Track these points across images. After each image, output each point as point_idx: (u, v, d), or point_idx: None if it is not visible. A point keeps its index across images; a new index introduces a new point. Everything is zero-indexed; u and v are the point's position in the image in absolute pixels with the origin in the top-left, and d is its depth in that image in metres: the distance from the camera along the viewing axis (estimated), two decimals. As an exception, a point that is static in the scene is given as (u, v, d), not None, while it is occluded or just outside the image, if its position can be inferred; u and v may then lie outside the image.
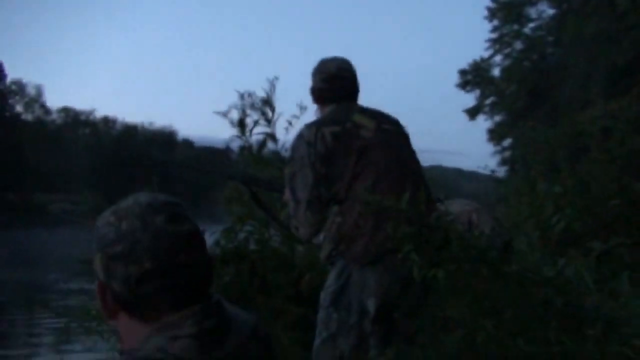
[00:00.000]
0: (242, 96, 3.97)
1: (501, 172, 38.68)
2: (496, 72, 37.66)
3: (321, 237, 2.72)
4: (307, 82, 3.07)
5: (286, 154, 3.40)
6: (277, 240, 4.08)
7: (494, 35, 36.68)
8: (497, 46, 36.83)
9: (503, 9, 35.80)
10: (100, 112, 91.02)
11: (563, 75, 26.83)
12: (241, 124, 3.98)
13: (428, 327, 2.24)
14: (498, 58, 37.21)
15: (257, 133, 4.00)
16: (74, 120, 76.33)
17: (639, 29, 19.67)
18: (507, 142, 38.50)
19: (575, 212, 5.10)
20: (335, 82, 2.94)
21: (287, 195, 2.74)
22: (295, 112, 3.76)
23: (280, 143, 3.93)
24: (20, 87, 70.06)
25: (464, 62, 38.61)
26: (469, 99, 37.92)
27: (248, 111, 3.97)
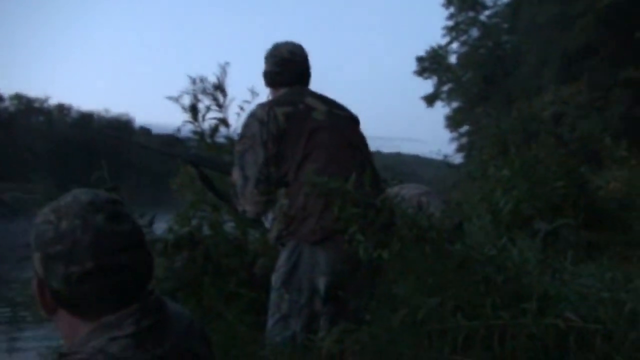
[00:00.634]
0: (193, 81, 3.96)
1: (458, 158, 39.13)
2: (453, 59, 38.10)
3: (269, 218, 2.75)
4: (258, 67, 3.10)
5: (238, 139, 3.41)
6: (230, 225, 4.09)
7: (450, 23, 37.06)
8: (454, 33, 37.23)
9: (459, -4, 36.20)
10: (54, 100, 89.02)
11: (517, 62, 27.25)
12: (193, 110, 3.96)
13: (375, 306, 2.29)
14: (455, 45, 37.65)
15: (210, 118, 3.99)
16: (27, 107, 74.55)
17: (589, 16, 20.08)
18: (464, 128, 39.05)
19: (523, 195, 5.24)
20: (287, 65, 2.98)
21: (236, 172, 2.76)
22: (247, 97, 3.76)
23: (232, 128, 3.93)
24: (-31, 74, 68.19)
25: (422, 49, 38.89)
26: (427, 85, 38.38)
27: (200, 96, 3.95)
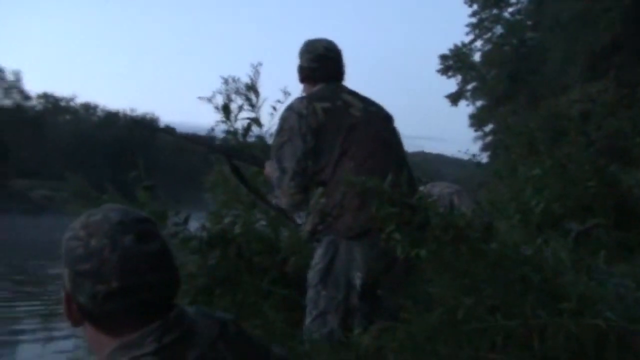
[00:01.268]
0: (226, 81, 4.01)
1: (483, 157, 38.80)
2: (477, 57, 37.84)
3: (302, 215, 2.78)
4: (290, 67, 3.13)
5: (271, 139, 3.44)
6: (262, 224, 4.13)
7: (473, 20, 36.79)
8: (477, 31, 36.96)
9: (483, -7, 35.92)
10: (81, 99, 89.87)
11: (542, 60, 26.98)
12: (225, 109, 4.01)
13: (411, 304, 2.31)
14: (479, 43, 37.37)
15: (242, 118, 4.04)
16: (54, 106, 75.46)
17: (614, 11, 19.84)
18: (488, 127, 38.78)
19: (554, 194, 5.22)
20: (323, 61, 3.00)
21: (273, 165, 2.78)
22: (279, 97, 3.80)
23: (264, 128, 3.98)
24: (-2, 73, 69.16)
25: (445, 47, 38.68)
26: (451, 84, 38.17)
27: (232, 96, 4.00)
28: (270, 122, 3.92)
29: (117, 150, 67.44)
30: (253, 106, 3.96)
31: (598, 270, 2.72)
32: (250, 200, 3.96)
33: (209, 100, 4.02)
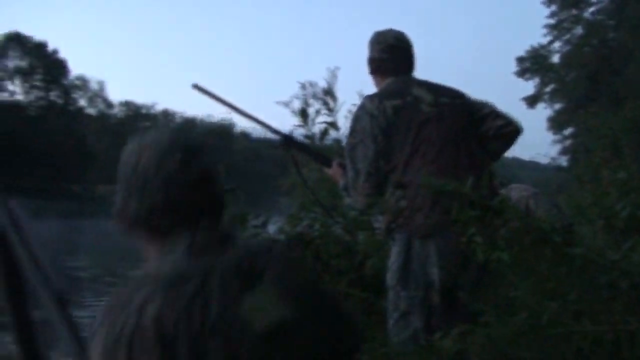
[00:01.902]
0: (303, 86, 4.07)
1: (562, 161, 37.89)
2: (555, 58, 36.87)
3: (380, 219, 2.78)
4: (364, 70, 3.11)
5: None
6: (339, 227, 4.16)
7: (552, 21, 35.86)
8: (556, 32, 36.02)
9: (562, -6, 35.01)
10: (160, 106, 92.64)
11: (625, 60, 26.04)
12: (303, 114, 4.07)
13: (491, 308, 2.28)
14: (557, 44, 36.41)
15: (319, 122, 4.09)
16: (135, 113, 78.08)
17: None
18: (567, 130, 37.70)
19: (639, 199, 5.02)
20: (395, 52, 2.96)
21: (347, 165, 2.79)
22: (356, 101, 3.82)
23: (341, 131, 4.01)
24: (83, 82, 72.10)
25: (522, 50, 37.85)
26: (528, 86, 37.29)
27: (310, 101, 4.05)
28: (346, 125, 3.95)
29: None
30: (330, 110, 4.00)
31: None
32: (329, 203, 3.99)
33: (286, 105, 4.10)
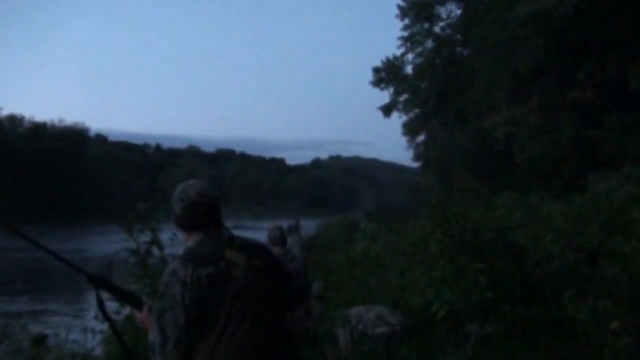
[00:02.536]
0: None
1: (415, 165, 39.63)
2: (409, 69, 38.41)
3: None
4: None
5: None
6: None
7: (405, 34, 37.30)
8: (409, 44, 37.49)
9: (414, 8, 36.41)
10: (5, 111, 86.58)
11: (470, 80, 27.61)
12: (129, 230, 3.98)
13: None
14: (410, 56, 37.91)
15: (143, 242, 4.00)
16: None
17: (538, 38, 20.43)
18: (420, 138, 39.56)
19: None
20: (197, 208, 2.94)
21: (154, 329, 2.72)
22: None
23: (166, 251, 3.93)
24: None
25: (379, 60, 39.13)
26: (385, 95, 38.52)
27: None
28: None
29: (47, 163, 65.60)
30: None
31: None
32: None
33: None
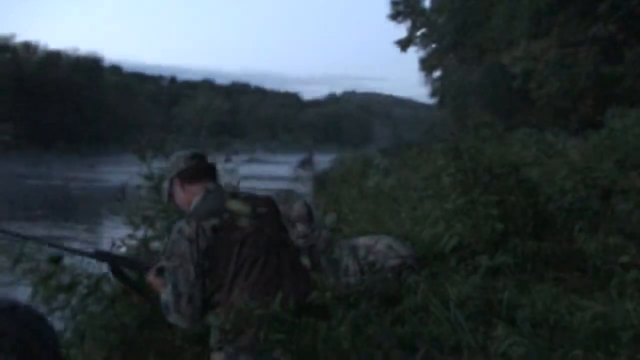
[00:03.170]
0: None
1: (432, 101, 39.18)
2: (427, 3, 37.65)
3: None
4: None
5: None
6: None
7: (424, -34, 36.38)
8: (428, -23, 36.67)
9: (433, -62, 35.42)
10: (20, 37, 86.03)
11: (489, 14, 27.00)
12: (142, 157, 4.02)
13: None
14: (429, -11, 37.08)
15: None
16: (-7, 44, 72.29)
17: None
18: (437, 73, 39.06)
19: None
20: (199, 160, 3.05)
21: (168, 287, 2.76)
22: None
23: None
24: None
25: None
26: (402, 30, 37.78)
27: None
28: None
29: (62, 92, 65.55)
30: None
31: None
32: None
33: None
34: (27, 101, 61.92)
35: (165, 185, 3.10)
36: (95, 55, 77.88)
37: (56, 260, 3.57)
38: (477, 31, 29.72)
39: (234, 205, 2.81)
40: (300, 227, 5.23)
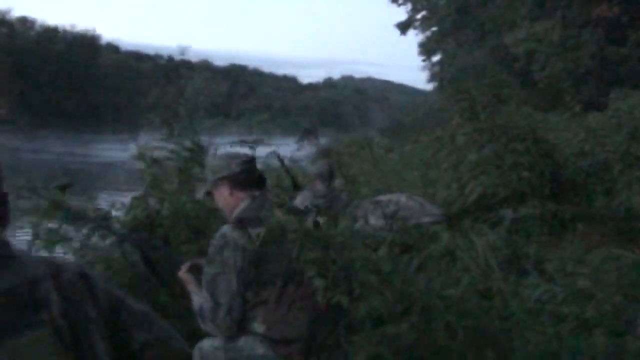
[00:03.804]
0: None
1: (429, 86, 38.94)
2: (428, -16, 37.27)
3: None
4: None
5: None
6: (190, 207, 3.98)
7: (425, -52, 35.98)
8: (429, -42, 36.22)
9: None
10: (17, 12, 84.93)
11: (491, -6, 26.77)
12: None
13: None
14: (430, -29, 36.68)
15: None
16: (-12, 18, 71.44)
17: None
18: (436, 58, 38.74)
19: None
20: (252, 167, 2.86)
21: (205, 294, 2.57)
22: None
23: None
24: None
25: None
26: (401, 13, 37.43)
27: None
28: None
29: (59, 68, 65.09)
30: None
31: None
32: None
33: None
34: (23, 76, 61.39)
35: (210, 179, 2.86)
36: (92, 33, 77.23)
37: (63, 188, 3.38)
38: (478, 12, 29.47)
39: (281, 215, 2.62)
40: (320, 186, 5.08)
